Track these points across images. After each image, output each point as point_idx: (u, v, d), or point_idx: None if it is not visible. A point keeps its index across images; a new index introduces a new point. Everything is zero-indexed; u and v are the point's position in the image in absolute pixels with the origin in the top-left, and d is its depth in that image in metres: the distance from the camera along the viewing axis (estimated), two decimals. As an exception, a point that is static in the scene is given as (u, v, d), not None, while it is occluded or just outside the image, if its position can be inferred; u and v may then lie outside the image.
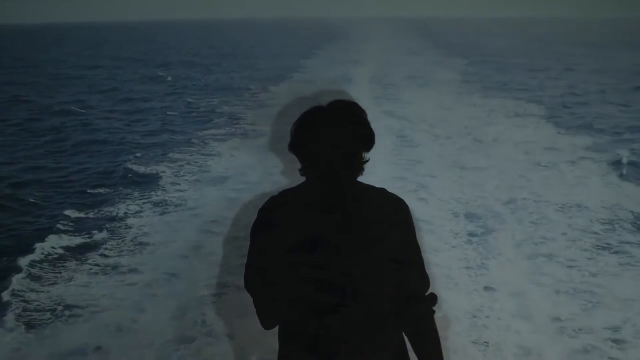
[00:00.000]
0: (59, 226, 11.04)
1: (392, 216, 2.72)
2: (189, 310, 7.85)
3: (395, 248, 2.65)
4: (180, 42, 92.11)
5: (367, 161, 2.81)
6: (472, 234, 10.19)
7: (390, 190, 2.85)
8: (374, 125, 2.79)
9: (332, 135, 2.67)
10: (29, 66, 50.04)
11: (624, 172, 13.78)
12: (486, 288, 8.32)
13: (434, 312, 2.81)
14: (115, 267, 9.26)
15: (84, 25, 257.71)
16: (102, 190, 13.45)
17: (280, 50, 64.78)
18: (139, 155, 16.58)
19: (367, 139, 2.76)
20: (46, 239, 10.32)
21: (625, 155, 15.10)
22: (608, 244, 9.74)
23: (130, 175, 14.45)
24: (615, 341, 6.92)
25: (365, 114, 2.80)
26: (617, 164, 14.60)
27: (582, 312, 7.61)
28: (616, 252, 9.45)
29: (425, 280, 2.79)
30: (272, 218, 2.71)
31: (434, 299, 2.80)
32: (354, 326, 2.61)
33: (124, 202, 12.40)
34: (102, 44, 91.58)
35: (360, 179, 2.84)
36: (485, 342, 6.97)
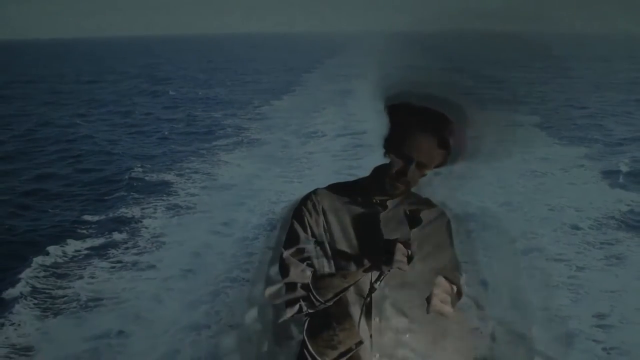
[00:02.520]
0: (82, 231, 11.71)
1: (431, 226, 2.74)
2: (202, 302, 8.43)
3: (429, 258, 2.67)
4: (181, 56, 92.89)
5: (425, 175, 2.75)
6: (468, 231, 10.74)
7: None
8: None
9: (427, 137, 2.59)
10: (31, 81, 50.59)
11: (620, 179, 14.39)
12: (481, 281, 8.86)
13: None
14: (134, 264, 9.91)
15: (83, 40, 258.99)
16: (117, 194, 14.08)
17: (282, 64, 65.34)
18: (148, 165, 17.16)
19: (444, 158, 2.68)
20: (67, 241, 10.97)
21: (623, 162, 15.76)
22: (594, 240, 10.38)
23: (140, 183, 15.05)
24: (600, 326, 7.51)
25: (455, 136, 2.68)
26: (607, 172, 15.22)
27: (570, 302, 8.19)
28: (601, 248, 10.08)
29: (458, 293, 2.86)
30: (312, 208, 2.70)
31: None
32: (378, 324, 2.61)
33: (139, 206, 13.02)
34: (102, 58, 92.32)
35: None
36: (481, 332, 7.50)
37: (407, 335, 2.71)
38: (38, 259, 10.11)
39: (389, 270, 2.47)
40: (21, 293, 8.90)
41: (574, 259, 9.58)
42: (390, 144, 2.67)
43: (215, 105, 31.75)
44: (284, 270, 2.70)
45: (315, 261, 2.66)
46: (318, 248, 2.66)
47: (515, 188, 13.90)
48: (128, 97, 36.80)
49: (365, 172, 2.89)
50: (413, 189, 2.85)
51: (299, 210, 2.73)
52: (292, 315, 2.73)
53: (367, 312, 2.65)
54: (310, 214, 2.70)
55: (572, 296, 8.40)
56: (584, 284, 8.70)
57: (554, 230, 10.81)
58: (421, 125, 2.61)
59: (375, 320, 2.66)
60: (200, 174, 15.95)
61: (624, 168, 15.47)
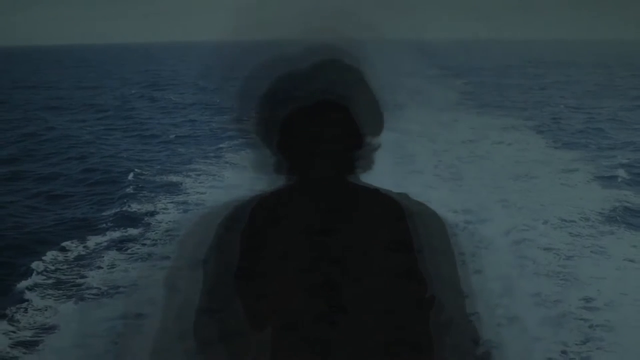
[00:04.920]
0: (101, 225, 12.42)
1: (382, 217, 2.72)
2: (214, 288, 9.01)
3: (385, 250, 2.56)
4: (181, 62, 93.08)
5: (356, 160, 2.70)
6: (467, 222, 11.38)
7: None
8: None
9: (314, 134, 2.63)
10: (33, 86, 51.08)
11: (612, 179, 15.11)
12: (476, 271, 9.45)
13: (428, 318, 2.63)
14: (150, 255, 10.56)
15: (83, 47, 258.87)
16: (128, 193, 14.69)
17: (282, 70, 65.46)
18: (157, 166, 17.80)
19: (352, 138, 2.71)
20: (87, 236, 11.60)
21: (616, 164, 16.50)
22: (582, 232, 11.10)
23: (150, 184, 15.68)
24: (587, 308, 8.17)
25: (350, 112, 2.72)
26: (599, 172, 15.96)
27: (559, 288, 8.81)
28: (588, 239, 10.81)
29: (420, 281, 2.66)
30: (261, 223, 2.69)
31: (430, 302, 2.65)
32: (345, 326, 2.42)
33: (150, 203, 13.71)
34: (102, 64, 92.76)
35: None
36: (477, 313, 8.09)
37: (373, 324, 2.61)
38: (58, 254, 10.77)
39: None
40: (36, 283, 9.64)
41: (563, 249, 10.20)
42: (294, 166, 2.52)
43: (217, 110, 32.19)
44: (242, 290, 2.64)
45: (271, 273, 2.52)
46: (271, 261, 2.53)
47: (511, 188, 14.51)
48: (129, 102, 37.34)
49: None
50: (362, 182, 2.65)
51: (246, 230, 2.63)
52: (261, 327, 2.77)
53: None
54: (257, 230, 2.64)
55: (562, 282, 9.00)
56: (572, 272, 9.31)
57: (544, 223, 11.45)
58: (310, 125, 2.57)
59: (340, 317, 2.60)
60: (207, 175, 16.55)
61: (617, 170, 16.13)
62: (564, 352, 7.30)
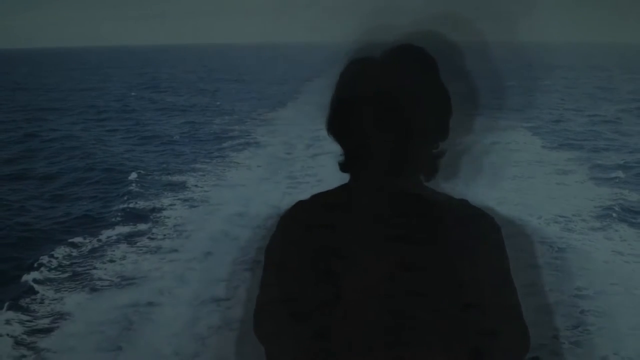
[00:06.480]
0: (114, 219, 12.78)
1: (450, 238, 1.83)
2: (222, 280, 9.39)
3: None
4: (181, 65, 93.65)
5: (406, 162, 1.97)
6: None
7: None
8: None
9: (361, 131, 1.98)
10: (34, 88, 51.48)
11: (606, 179, 15.52)
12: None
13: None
14: (159, 248, 10.94)
15: (82, 49, 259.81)
16: (133, 191, 15.04)
17: (283, 73, 65.88)
18: (163, 165, 18.20)
19: (408, 133, 1.94)
20: (96, 231, 12.08)
21: (612, 165, 16.96)
22: (575, 227, 11.52)
23: (153, 184, 16.01)
24: (579, 296, 8.55)
25: (419, 101, 1.96)
26: (594, 172, 16.39)
27: (552, 279, 9.19)
28: (581, 233, 11.24)
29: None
30: (293, 229, 2.08)
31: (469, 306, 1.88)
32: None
33: (158, 199, 14.07)
34: (102, 67, 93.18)
35: None
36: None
37: None
38: (67, 248, 11.21)
39: None
40: (46, 277, 10.00)
41: (556, 242, 10.59)
42: (351, 157, 2.08)
43: (219, 112, 32.58)
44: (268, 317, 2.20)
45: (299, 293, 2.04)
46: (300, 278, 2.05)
47: (508, 186, 14.91)
48: (130, 103, 37.73)
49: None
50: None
51: (274, 240, 2.13)
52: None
53: None
54: (286, 240, 2.10)
55: (555, 273, 9.38)
56: (565, 264, 9.69)
57: (539, 219, 11.85)
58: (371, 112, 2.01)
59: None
60: (211, 175, 16.92)
61: (612, 170, 16.58)
62: (555, 337, 7.65)
